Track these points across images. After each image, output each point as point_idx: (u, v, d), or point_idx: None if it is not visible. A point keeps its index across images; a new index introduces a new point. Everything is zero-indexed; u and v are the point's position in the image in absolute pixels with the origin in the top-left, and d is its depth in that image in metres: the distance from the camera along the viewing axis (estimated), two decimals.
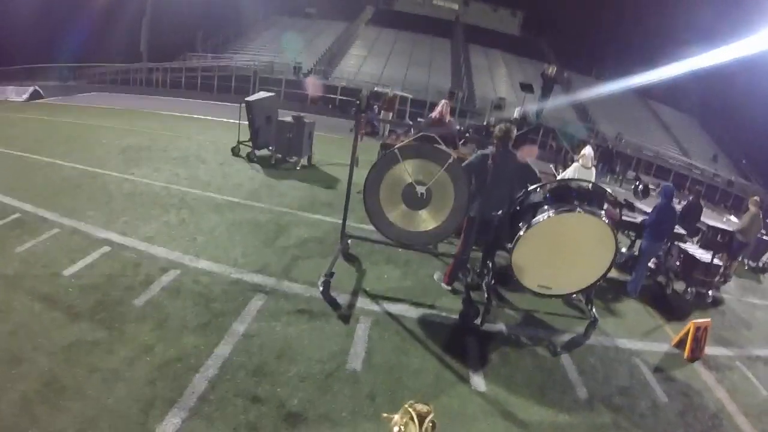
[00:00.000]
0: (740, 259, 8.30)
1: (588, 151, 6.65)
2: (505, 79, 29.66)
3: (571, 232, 3.60)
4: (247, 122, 8.35)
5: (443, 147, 3.80)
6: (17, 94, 15.98)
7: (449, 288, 4.49)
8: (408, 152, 3.75)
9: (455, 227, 4.02)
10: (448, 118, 6.03)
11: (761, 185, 24.05)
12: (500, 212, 3.95)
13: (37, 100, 15.54)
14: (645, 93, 32.22)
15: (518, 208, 3.89)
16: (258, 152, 8.51)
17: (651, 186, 9.24)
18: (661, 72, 24.97)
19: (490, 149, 3.96)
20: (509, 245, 3.74)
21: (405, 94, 17.42)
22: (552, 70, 10.83)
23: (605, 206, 4.55)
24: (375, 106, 15.42)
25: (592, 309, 4.25)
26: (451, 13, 41.10)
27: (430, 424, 1.71)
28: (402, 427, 1.70)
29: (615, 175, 16.49)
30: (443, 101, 6.20)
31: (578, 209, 3.53)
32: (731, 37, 20.90)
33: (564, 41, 36.51)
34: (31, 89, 16.08)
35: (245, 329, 3.28)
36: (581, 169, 6.47)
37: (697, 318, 5.27)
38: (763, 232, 8.50)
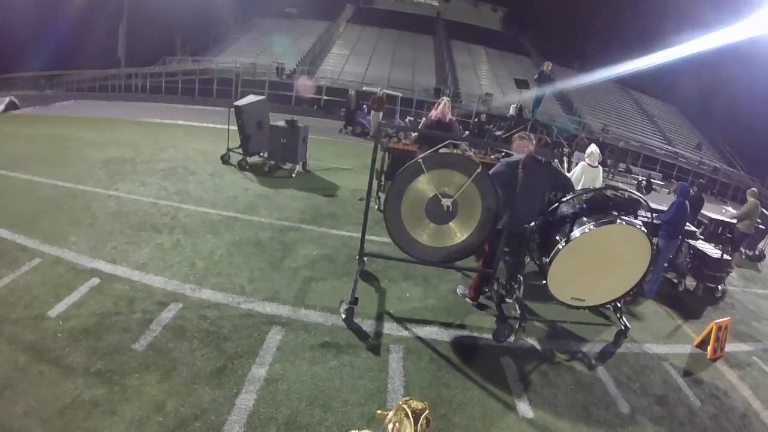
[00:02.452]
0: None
1: (594, 149, 6.52)
2: (489, 75, 29.61)
3: (610, 244, 3.40)
4: (236, 128, 7.91)
5: (470, 154, 3.48)
6: None
7: (474, 303, 4.23)
8: (432, 162, 3.42)
9: (483, 242, 3.72)
10: (449, 117, 5.56)
11: (746, 171, 24.56)
12: (531, 224, 3.65)
13: (13, 111, 14.67)
14: (627, 84, 32.63)
15: (550, 218, 3.61)
16: (250, 159, 8.09)
17: (653, 181, 9.16)
18: (642, 62, 25.24)
19: (517, 157, 3.66)
20: (544, 258, 3.48)
21: (394, 93, 17.02)
22: (547, 67, 10.72)
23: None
24: (364, 106, 15.09)
25: (621, 317, 4.14)
26: (432, 10, 40.99)
27: (425, 421, 1.66)
28: (397, 424, 1.66)
29: (607, 168, 16.49)
30: (444, 99, 5.75)
31: (618, 220, 3.30)
32: (711, 26, 21.19)
33: (545, 35, 36.75)
34: (6, 100, 15.09)
35: (267, 373, 2.89)
36: (588, 168, 6.34)
37: (711, 314, 5.27)
38: (758, 221, 8.57)
